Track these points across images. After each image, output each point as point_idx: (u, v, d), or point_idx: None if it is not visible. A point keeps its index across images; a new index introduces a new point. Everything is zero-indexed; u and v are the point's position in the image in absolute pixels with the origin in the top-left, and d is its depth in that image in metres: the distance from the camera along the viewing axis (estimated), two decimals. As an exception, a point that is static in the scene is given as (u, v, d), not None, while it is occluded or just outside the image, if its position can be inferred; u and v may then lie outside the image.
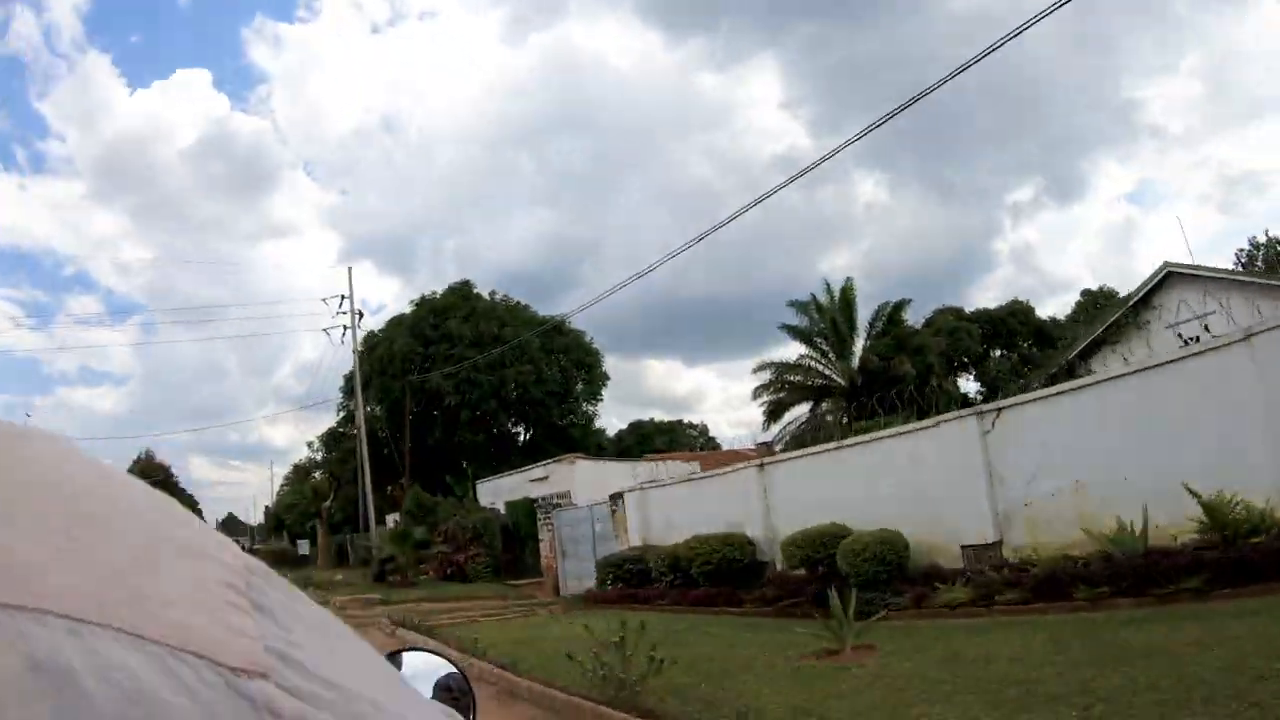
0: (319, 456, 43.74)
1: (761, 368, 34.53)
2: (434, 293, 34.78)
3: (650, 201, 75.66)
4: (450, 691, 1.09)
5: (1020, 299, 44.29)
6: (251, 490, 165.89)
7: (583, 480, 23.97)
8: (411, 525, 26.43)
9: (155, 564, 0.30)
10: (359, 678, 0.34)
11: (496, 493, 28.12)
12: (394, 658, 1.09)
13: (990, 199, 72.39)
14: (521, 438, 35.70)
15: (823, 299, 31.90)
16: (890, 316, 32.79)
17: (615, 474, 23.66)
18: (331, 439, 40.66)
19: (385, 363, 32.54)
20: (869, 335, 31.92)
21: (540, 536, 23.11)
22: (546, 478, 25.35)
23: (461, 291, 34.33)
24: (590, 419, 35.22)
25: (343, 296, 28.90)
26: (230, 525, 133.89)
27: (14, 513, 0.29)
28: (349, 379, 39.52)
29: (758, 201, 16.72)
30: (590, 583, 20.78)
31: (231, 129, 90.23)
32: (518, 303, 34.64)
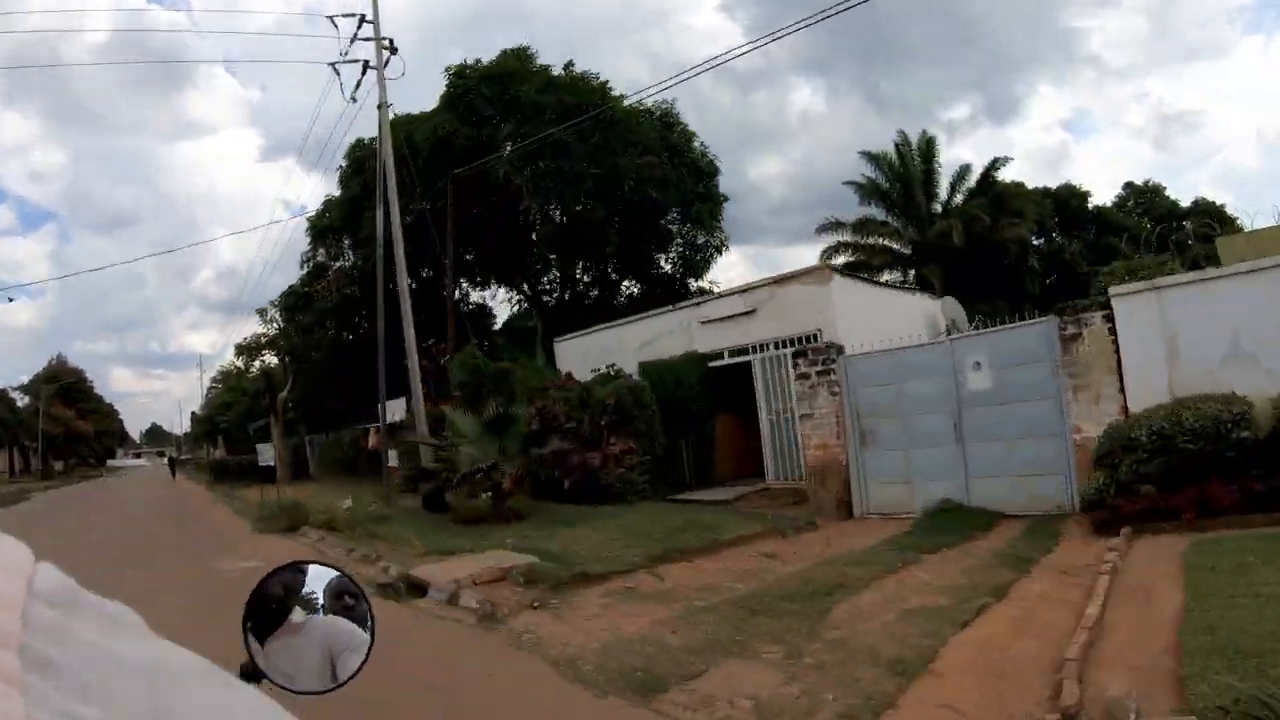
0: (274, 329, 31.10)
1: (828, 227, 28.87)
2: (477, 61, 21.46)
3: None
4: (343, 598, 0.97)
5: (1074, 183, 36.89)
6: (176, 399, 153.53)
7: (848, 313, 12.93)
8: (467, 407, 14.92)
9: None
10: None
11: (603, 353, 16.61)
12: (298, 571, 0.98)
13: (926, 114, 68.79)
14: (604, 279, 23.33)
15: (893, 161, 28.52)
16: (985, 175, 29.14)
17: (896, 305, 13.57)
18: (294, 303, 28.03)
19: (403, 159, 19.54)
20: (950, 194, 28.97)
21: (806, 410, 11.75)
22: (752, 312, 13.96)
23: (520, 58, 21.11)
24: (711, 255, 23.03)
25: (361, 18, 15.66)
26: (155, 436, 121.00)
27: None
28: (317, 219, 26.64)
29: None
30: (938, 486, 10.19)
31: (147, 23, 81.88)
32: (603, 82, 21.75)
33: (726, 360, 14.56)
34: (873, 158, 28.96)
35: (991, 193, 28.62)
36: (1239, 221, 36.47)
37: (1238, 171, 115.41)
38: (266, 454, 22.91)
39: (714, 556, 8.60)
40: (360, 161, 23.32)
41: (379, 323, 15.27)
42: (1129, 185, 41.88)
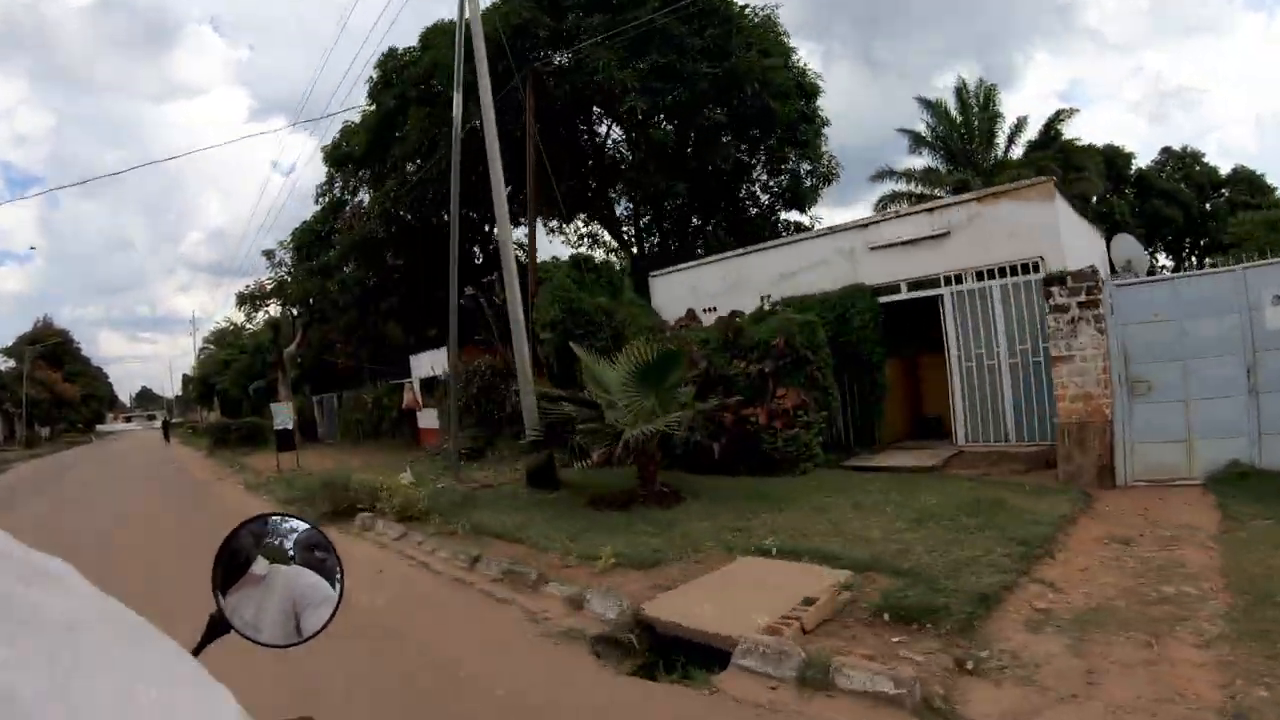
0: (284, 272, 27.55)
1: (882, 175, 27.12)
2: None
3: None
4: (313, 551, 0.98)
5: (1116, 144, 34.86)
6: (167, 361, 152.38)
7: (1072, 238, 10.63)
8: (556, 352, 11.82)
9: None
10: (108, 700, 0.29)
11: (721, 289, 13.43)
12: (262, 521, 1.00)
13: (923, 81, 66.78)
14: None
15: (948, 109, 27.28)
16: (1048, 127, 27.85)
17: (1089, 237, 12.22)
18: (310, 240, 24.42)
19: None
20: (1008, 146, 27.55)
21: (1063, 350, 8.59)
22: (944, 235, 10.83)
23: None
24: (818, 185, 19.18)
25: None
26: (145, 399, 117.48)
27: None
28: (334, 148, 23.00)
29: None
30: (1225, 446, 8.08)
31: None
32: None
33: (904, 294, 11.33)
34: (928, 104, 27.66)
35: (1055, 146, 27.35)
36: (1278, 192, 35.12)
37: (1233, 152, 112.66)
38: (283, 415, 19.56)
39: (1064, 549, 5.52)
40: (393, 73, 19.61)
41: (452, 234, 11.73)
42: (1166, 150, 39.65)
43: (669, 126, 16.93)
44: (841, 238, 12.06)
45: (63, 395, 54.68)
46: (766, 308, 11.49)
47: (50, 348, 58.44)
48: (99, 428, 77.47)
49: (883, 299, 11.42)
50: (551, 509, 8.65)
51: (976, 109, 27.68)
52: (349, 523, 9.65)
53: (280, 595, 0.92)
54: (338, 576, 0.98)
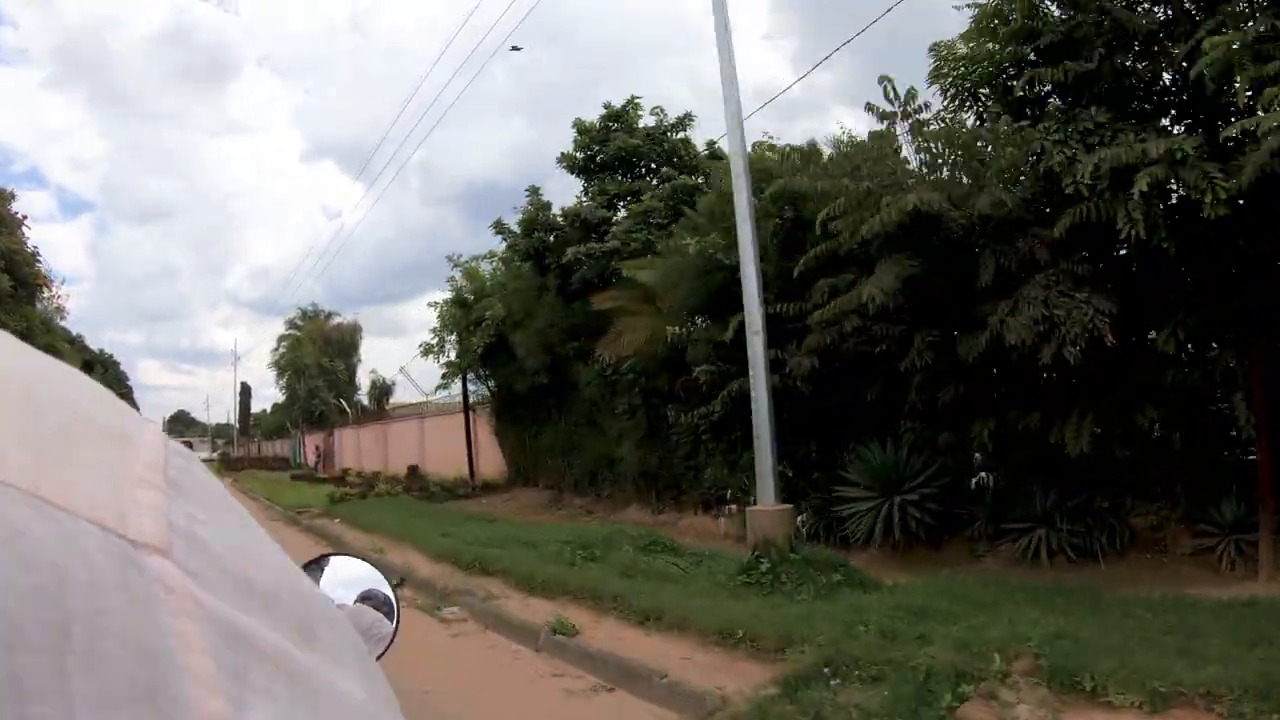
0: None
1: None
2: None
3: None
4: (363, 588, 1.06)
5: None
6: (200, 395, 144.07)
7: None
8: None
9: (69, 438, 0.29)
10: (265, 571, 0.33)
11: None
12: (317, 564, 1.06)
13: None
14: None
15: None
16: None
17: None
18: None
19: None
20: None
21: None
22: None
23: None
24: None
25: None
26: (181, 422, 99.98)
27: None
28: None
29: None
30: None
31: (195, 17, 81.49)
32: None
33: None
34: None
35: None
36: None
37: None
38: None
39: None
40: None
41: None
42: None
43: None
44: None
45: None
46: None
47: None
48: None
49: None
50: None
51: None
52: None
53: None
54: (394, 610, 1.01)
